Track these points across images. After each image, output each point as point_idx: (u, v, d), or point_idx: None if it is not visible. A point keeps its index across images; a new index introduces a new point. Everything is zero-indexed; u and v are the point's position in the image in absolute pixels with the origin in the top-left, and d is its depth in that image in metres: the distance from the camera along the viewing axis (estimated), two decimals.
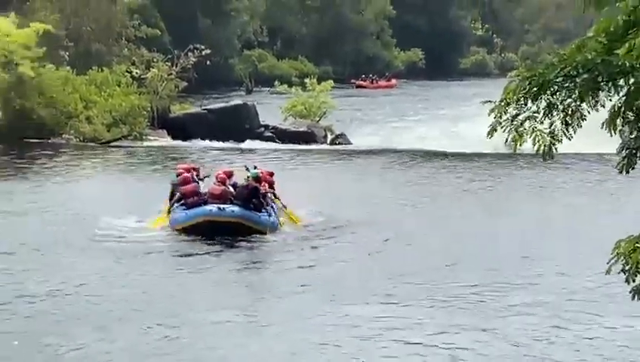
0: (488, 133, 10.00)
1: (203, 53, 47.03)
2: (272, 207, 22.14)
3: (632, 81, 8.82)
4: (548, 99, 9.52)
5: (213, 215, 20.90)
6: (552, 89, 9.42)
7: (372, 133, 49.01)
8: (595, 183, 31.30)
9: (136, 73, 45.98)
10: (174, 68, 46.35)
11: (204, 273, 17.99)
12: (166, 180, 29.68)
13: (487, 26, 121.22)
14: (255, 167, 23.52)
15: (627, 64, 8.54)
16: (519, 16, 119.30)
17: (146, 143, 42.24)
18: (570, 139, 9.81)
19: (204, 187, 22.44)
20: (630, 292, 8.92)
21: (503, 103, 9.84)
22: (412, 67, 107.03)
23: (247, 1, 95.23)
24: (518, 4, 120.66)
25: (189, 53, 47.37)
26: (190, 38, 61.41)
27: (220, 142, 42.39)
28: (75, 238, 20.69)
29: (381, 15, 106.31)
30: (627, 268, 8.72)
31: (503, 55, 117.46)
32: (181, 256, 19.45)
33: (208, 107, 47.35)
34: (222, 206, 21.00)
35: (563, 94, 9.40)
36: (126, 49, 58.28)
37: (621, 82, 9.04)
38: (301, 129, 45.71)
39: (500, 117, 9.78)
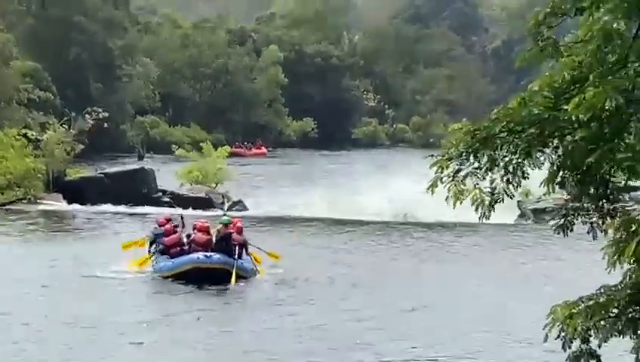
0: (429, 188, 9.59)
1: (100, 115, 46.45)
2: (246, 252, 23.52)
3: (577, 136, 8.58)
4: (490, 154, 9.15)
5: (201, 262, 22.13)
6: (495, 143, 9.08)
7: (264, 200, 48.94)
8: (526, 249, 32.20)
9: (32, 135, 45.19)
10: (71, 130, 45.66)
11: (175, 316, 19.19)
12: (62, 244, 29.53)
13: (378, 96, 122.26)
14: (224, 215, 25.19)
15: (574, 118, 8.30)
16: (410, 87, 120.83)
17: (40, 207, 41.46)
18: (511, 198, 9.48)
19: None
20: (567, 359, 8.66)
21: (444, 158, 9.48)
22: (304, 136, 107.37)
23: (139, 67, 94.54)
24: (409, 76, 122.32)
25: (87, 116, 46.74)
26: (83, 102, 60.64)
27: (117, 207, 41.66)
28: None
29: (273, 84, 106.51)
30: (563, 334, 8.46)
31: (394, 126, 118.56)
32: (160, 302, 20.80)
33: (105, 171, 46.61)
34: (208, 254, 22.29)
35: (505, 150, 9.07)
36: (21, 111, 57.41)
37: (568, 138, 8.81)
38: (199, 195, 45.31)
39: (442, 171, 9.38)
